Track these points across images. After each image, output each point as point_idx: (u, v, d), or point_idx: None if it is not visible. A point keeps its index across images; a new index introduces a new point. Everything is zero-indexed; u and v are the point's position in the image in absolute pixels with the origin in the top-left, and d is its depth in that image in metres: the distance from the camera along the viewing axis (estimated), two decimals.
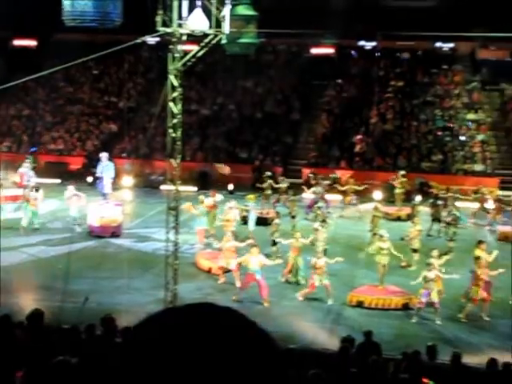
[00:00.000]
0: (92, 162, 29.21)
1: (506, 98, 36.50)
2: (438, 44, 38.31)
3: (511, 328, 14.94)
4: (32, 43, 39.81)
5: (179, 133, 13.39)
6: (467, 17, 33.76)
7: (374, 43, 38.92)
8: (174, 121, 13.13)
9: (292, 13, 34.00)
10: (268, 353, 1.40)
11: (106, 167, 25.79)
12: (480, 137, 33.58)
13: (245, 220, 22.03)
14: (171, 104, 13.06)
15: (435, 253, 15.80)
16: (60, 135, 35.09)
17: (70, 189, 22.32)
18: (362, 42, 39.00)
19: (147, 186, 29.42)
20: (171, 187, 13.57)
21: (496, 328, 15.01)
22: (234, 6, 13.30)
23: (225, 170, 31.39)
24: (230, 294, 16.27)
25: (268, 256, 18.85)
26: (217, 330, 1.37)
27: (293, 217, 21.80)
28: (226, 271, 17.33)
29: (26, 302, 14.22)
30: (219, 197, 22.34)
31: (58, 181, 29.02)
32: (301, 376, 6.97)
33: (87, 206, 22.08)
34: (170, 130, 13.21)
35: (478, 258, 15.72)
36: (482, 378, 8.54)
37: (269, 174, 25.94)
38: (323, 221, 19.06)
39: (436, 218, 22.87)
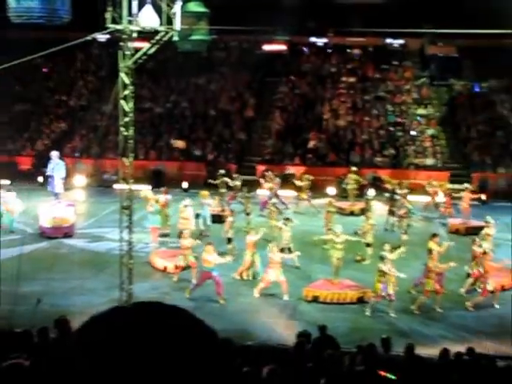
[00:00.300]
0: (42, 161, 28.69)
1: (454, 93, 37.18)
2: (389, 40, 38.80)
3: (463, 319, 15.27)
4: None
5: (131, 131, 13.25)
6: (416, 13, 34.28)
7: (325, 40, 39.17)
8: (126, 119, 13.00)
9: (243, 10, 33.95)
10: (213, 351, 1.40)
11: (56, 166, 25.39)
12: (430, 131, 34.17)
13: (198, 218, 21.97)
14: (123, 102, 12.93)
15: (387, 247, 16.00)
16: (9, 135, 34.36)
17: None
18: (313, 39, 39.20)
19: (100, 185, 29.11)
20: (124, 186, 13.43)
21: (448, 319, 15.28)
22: (185, 2, 13.27)
23: (179, 144, 31.39)
24: (186, 292, 16.20)
25: (224, 254, 18.90)
26: (164, 329, 1.37)
27: (247, 214, 21.80)
28: (183, 269, 17.28)
29: None
30: (169, 196, 22.33)
31: (8, 182, 28.38)
32: (257, 373, 6.98)
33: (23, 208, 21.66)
34: (122, 129, 13.08)
35: (430, 251, 15.97)
36: (435, 368, 8.68)
37: (222, 171, 25.88)
38: (287, 219, 19.04)
39: (391, 212, 23.19)
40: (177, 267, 17.36)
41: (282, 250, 17.63)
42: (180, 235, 17.75)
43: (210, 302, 15.62)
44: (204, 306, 15.38)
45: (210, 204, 22.48)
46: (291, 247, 18.17)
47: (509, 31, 18.26)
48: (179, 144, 30.75)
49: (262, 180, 26.92)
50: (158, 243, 20.11)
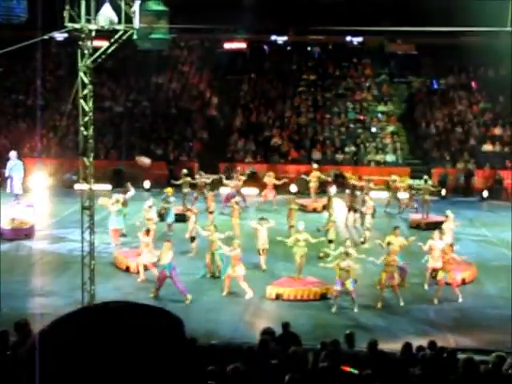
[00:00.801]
0: (0, 162, 28.20)
1: (413, 90, 37.62)
2: (348, 38, 39.03)
3: (425, 313, 15.46)
4: None
5: (91, 131, 13.13)
6: (375, 11, 34.61)
7: (285, 38, 39.26)
8: (86, 119, 12.87)
9: (204, 8, 33.87)
10: (178, 349, 1.40)
11: (15, 166, 25.01)
12: (390, 128, 34.54)
13: (162, 217, 21.86)
14: (82, 102, 12.79)
15: (349, 243, 16.12)
16: None
17: None
18: (273, 37, 39.26)
19: (60, 185, 28.75)
20: (85, 186, 13.30)
21: (410, 313, 15.45)
22: (144, 0, 13.14)
23: (145, 161, 31.04)
24: (149, 291, 16.11)
25: (187, 253, 18.91)
26: (129, 329, 1.36)
27: (210, 212, 21.76)
28: (146, 269, 17.18)
29: None
30: (130, 193, 22.16)
31: None
32: (222, 371, 6.97)
33: None
34: (82, 128, 12.95)
35: (389, 244, 16.15)
36: (398, 362, 8.77)
37: (185, 171, 25.75)
38: (262, 218, 18.89)
39: (352, 208, 23.36)
40: (140, 266, 17.24)
41: (258, 252, 17.65)
42: (146, 233, 17.60)
43: (174, 302, 15.54)
44: (167, 306, 15.30)
45: (173, 201, 22.32)
46: (266, 249, 18.01)
47: (465, 29, 18.52)
48: (144, 161, 30.45)
49: (224, 178, 26.90)
50: (119, 243, 19.97)
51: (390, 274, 15.48)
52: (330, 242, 19.16)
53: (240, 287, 16.09)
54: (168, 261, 15.53)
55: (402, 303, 15.63)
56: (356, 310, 15.20)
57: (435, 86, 37.46)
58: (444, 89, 37.27)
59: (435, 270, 16.53)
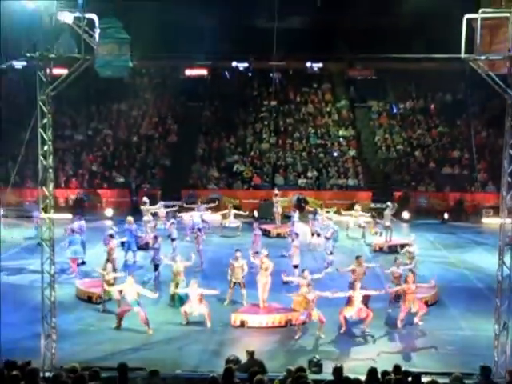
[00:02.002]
0: None
1: (373, 115, 38.09)
2: (308, 64, 39.40)
3: (389, 337, 15.48)
4: None
5: (51, 160, 12.95)
6: (334, 38, 35.11)
7: (246, 64, 39.47)
8: (45, 148, 12.68)
9: (164, 35, 33.97)
10: None
11: None
12: (351, 152, 34.87)
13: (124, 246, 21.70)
14: (41, 131, 12.62)
15: (306, 273, 15.99)
16: None
17: None
18: (234, 63, 39.45)
19: (20, 215, 28.31)
20: (45, 216, 13.08)
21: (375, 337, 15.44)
22: (104, 29, 13.06)
23: None
24: (112, 322, 15.87)
25: (149, 281, 18.73)
26: None
27: (172, 239, 21.61)
28: (109, 299, 16.94)
29: None
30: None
31: None
32: None
33: None
34: (41, 158, 12.77)
35: (354, 271, 16.16)
36: None
37: (145, 199, 25.58)
38: (237, 250, 18.02)
39: (315, 233, 23.44)
40: (101, 298, 17.02)
41: (234, 284, 17.38)
42: (104, 268, 17.34)
43: (137, 332, 15.34)
44: (130, 337, 15.11)
45: (135, 229, 22.12)
46: (242, 282, 17.72)
47: (424, 56, 18.87)
48: None
49: (186, 205, 26.83)
50: (78, 273, 19.72)
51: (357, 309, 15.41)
52: (295, 267, 19.14)
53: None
54: (133, 296, 15.32)
55: (367, 330, 15.58)
56: (323, 336, 15.13)
57: (395, 111, 38.02)
58: (403, 113, 37.86)
59: (398, 296, 16.59)
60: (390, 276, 17.69)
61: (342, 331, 15.43)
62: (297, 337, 15.13)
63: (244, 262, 17.39)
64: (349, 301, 15.52)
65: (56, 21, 12.13)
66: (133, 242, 21.65)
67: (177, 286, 16.98)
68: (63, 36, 12.41)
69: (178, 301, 16.97)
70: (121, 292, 16.12)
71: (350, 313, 15.39)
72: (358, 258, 17.48)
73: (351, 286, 15.91)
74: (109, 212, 28.33)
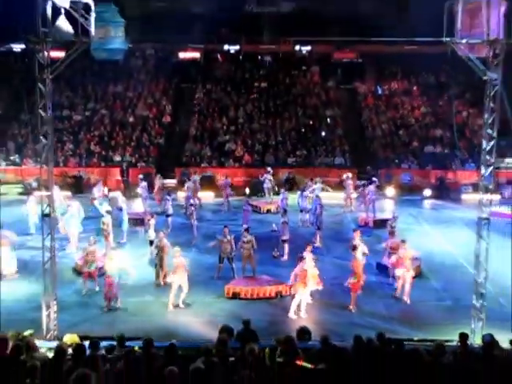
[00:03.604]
0: None
1: (359, 96, 38.05)
2: (297, 47, 39.31)
3: (375, 307, 15.59)
4: None
5: (50, 139, 12.93)
6: (322, 21, 34.97)
7: (237, 47, 39.31)
8: (45, 128, 12.66)
9: (158, 18, 33.77)
10: None
11: None
12: (338, 132, 34.87)
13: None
14: (41, 111, 12.59)
15: (309, 248, 15.96)
16: None
17: None
18: (226, 47, 39.29)
19: (21, 192, 28.25)
20: (45, 193, 13.07)
21: (361, 308, 15.54)
22: (100, 12, 12.96)
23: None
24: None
25: (144, 255, 18.77)
26: None
27: (167, 216, 21.65)
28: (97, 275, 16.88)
29: None
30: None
31: None
32: (182, 370, 6.93)
33: None
34: (42, 137, 12.74)
35: (355, 247, 16.00)
36: (349, 355, 8.82)
37: (141, 176, 25.73)
38: (248, 229, 17.94)
39: (303, 209, 23.47)
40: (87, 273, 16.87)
41: (223, 259, 17.35)
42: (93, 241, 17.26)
43: (132, 305, 15.43)
44: (126, 309, 15.20)
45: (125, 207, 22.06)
46: (231, 257, 17.66)
47: (406, 39, 18.85)
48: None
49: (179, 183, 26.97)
50: (76, 249, 19.65)
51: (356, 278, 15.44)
52: (284, 241, 19.24)
53: (199, 288, 16.08)
54: (115, 269, 15.31)
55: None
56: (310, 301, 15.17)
57: (379, 92, 37.98)
58: (388, 94, 37.84)
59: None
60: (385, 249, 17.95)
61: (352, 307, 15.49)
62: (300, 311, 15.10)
63: (231, 237, 17.38)
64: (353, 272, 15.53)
65: (53, 4, 12.05)
66: (125, 218, 21.57)
67: (161, 260, 16.87)
68: (59, 20, 12.32)
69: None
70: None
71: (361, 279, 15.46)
72: (354, 230, 17.72)
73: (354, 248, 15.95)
74: (105, 190, 28.26)
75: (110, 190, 26.71)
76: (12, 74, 37.01)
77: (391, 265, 16.71)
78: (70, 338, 11.00)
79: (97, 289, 16.33)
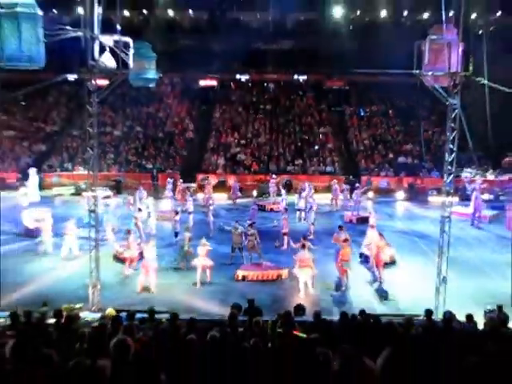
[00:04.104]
0: (24, 176, 27.78)
1: (345, 117, 38.02)
2: (295, 76, 39.34)
3: (356, 290, 15.50)
4: None
5: (96, 150, 13.01)
6: (315, 56, 35.01)
7: (247, 76, 39.38)
8: (92, 141, 12.74)
9: (183, 53, 33.87)
10: None
11: (34, 179, 24.69)
12: (329, 146, 34.84)
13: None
14: (89, 128, 12.67)
15: (305, 241, 15.95)
16: None
17: None
18: (238, 76, 39.37)
19: (72, 193, 28.38)
20: (91, 194, 13.14)
21: (347, 289, 15.47)
22: (136, 49, 13.04)
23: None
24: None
25: (171, 245, 18.79)
26: None
27: (189, 213, 21.66)
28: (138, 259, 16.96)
29: None
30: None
31: None
32: (200, 338, 6.95)
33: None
34: (89, 149, 12.82)
35: (346, 240, 15.92)
36: (336, 327, 8.82)
37: (169, 179, 25.87)
38: (252, 224, 17.63)
39: (299, 209, 23.49)
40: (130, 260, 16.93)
41: (235, 249, 17.26)
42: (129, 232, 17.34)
43: (161, 286, 15.45)
44: (157, 288, 15.24)
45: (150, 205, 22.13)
46: (241, 247, 17.45)
47: (384, 71, 18.83)
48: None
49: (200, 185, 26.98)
50: (114, 239, 19.66)
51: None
52: (284, 234, 19.21)
53: (215, 272, 16.10)
54: (152, 256, 15.40)
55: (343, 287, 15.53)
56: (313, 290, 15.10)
57: (362, 114, 37.94)
58: (369, 115, 37.80)
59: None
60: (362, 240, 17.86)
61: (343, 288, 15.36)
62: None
63: (242, 230, 17.40)
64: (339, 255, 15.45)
65: (99, 43, 12.12)
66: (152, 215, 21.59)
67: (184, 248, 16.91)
68: (105, 55, 12.39)
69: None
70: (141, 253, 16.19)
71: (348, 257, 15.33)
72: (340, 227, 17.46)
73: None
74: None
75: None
76: (67, 98, 37.22)
77: (371, 254, 16.68)
78: (110, 311, 11.06)
79: (134, 272, 16.37)
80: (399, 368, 5.75)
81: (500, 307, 11.00)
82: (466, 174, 29.63)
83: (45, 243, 18.33)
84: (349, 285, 15.32)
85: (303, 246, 15.23)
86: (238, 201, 26.24)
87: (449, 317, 9.37)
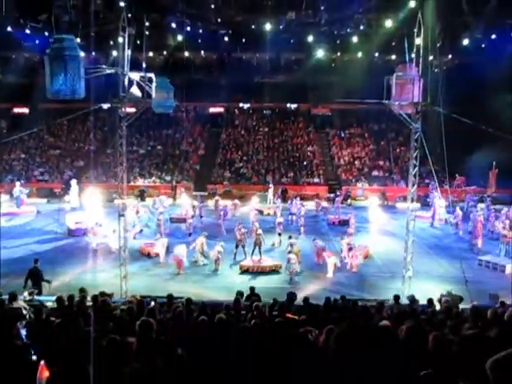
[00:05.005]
0: (67, 186, 27.86)
1: (329, 138, 38.06)
2: (288, 104, 39.45)
3: (338, 279, 15.51)
4: (25, 110, 37.04)
5: (125, 165, 13.07)
6: (304, 88, 35.15)
7: (248, 105, 39.54)
8: (122, 158, 12.81)
9: (196, 86, 34.01)
10: None
11: (73, 189, 24.92)
12: (315, 161, 34.84)
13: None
14: (119, 147, 12.74)
15: (293, 240, 16.07)
16: (46, 170, 33.21)
17: None
18: (241, 104, 39.51)
19: (107, 200, 28.37)
20: (120, 201, 13.20)
21: (330, 280, 15.48)
22: (158, 82, 13.14)
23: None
24: (163, 269, 15.98)
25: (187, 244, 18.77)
26: None
27: (201, 217, 21.65)
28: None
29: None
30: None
31: (45, 200, 27.57)
32: (211, 319, 6.97)
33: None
34: (119, 164, 12.90)
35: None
36: (321, 310, 8.83)
37: (183, 189, 25.86)
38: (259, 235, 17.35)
39: (292, 213, 23.45)
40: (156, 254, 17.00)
41: (238, 246, 17.25)
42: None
43: (178, 275, 15.45)
44: (174, 278, 15.24)
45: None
46: (244, 244, 17.49)
47: (360, 100, 18.93)
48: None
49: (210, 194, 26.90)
50: (135, 237, 19.51)
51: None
52: (279, 235, 19.23)
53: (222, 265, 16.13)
54: (182, 250, 15.55)
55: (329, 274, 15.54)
56: (297, 278, 15.13)
57: (342, 135, 37.97)
58: (348, 137, 37.84)
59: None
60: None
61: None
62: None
63: (244, 230, 17.45)
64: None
65: (128, 78, 12.22)
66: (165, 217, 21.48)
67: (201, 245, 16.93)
68: (133, 88, 12.49)
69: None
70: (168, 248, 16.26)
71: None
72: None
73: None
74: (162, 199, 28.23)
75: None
76: (102, 123, 37.30)
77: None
78: (136, 296, 11.06)
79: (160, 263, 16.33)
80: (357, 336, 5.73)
81: (450, 292, 11.17)
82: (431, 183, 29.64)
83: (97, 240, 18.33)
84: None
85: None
86: (240, 208, 26.00)
87: (412, 300, 9.40)
